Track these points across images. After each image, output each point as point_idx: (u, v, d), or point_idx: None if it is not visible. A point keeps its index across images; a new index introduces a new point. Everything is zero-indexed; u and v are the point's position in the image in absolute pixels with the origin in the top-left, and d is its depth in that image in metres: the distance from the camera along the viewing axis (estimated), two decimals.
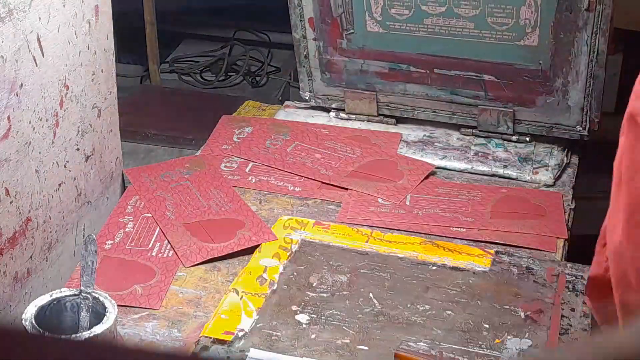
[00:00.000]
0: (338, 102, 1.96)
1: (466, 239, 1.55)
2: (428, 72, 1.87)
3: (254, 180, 1.73)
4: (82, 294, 1.26)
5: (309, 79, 1.96)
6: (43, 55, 1.38)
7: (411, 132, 1.91)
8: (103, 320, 1.22)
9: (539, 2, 1.71)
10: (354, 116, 1.95)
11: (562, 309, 1.37)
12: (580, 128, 1.79)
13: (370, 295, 1.40)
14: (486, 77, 1.82)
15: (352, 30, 1.87)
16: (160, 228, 1.56)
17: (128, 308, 1.37)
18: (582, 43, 1.71)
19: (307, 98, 1.99)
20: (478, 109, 1.86)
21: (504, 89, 1.82)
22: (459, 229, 1.58)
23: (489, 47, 1.79)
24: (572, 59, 1.73)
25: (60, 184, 1.48)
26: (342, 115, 1.96)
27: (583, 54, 1.72)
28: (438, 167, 1.78)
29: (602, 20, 1.67)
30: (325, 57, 1.93)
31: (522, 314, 1.36)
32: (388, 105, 1.93)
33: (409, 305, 1.38)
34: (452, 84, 1.86)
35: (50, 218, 1.45)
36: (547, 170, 1.76)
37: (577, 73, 1.74)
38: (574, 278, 1.44)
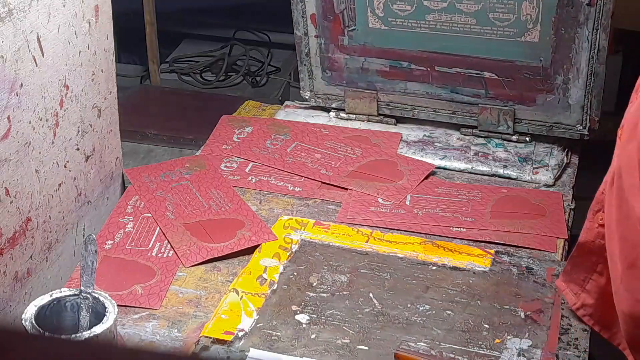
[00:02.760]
0: (338, 101, 1.96)
1: (466, 239, 1.55)
2: (429, 69, 1.87)
3: (254, 180, 1.73)
4: (82, 294, 1.26)
5: (309, 78, 1.96)
6: (43, 55, 1.38)
7: (411, 132, 1.91)
8: (103, 320, 1.22)
9: None
10: (354, 116, 1.95)
11: (562, 309, 1.37)
12: (581, 127, 1.79)
13: (370, 295, 1.40)
14: (487, 74, 1.82)
15: (354, 27, 1.87)
16: (160, 228, 1.56)
17: (128, 308, 1.37)
18: (583, 39, 1.71)
19: (307, 97, 1.99)
20: (478, 108, 1.86)
21: (505, 86, 1.82)
22: (459, 229, 1.58)
23: (490, 43, 1.79)
24: (573, 56, 1.74)
25: (60, 184, 1.48)
26: (342, 115, 1.96)
27: (584, 50, 1.72)
28: (438, 167, 1.78)
29: (603, 16, 1.67)
30: (326, 55, 1.93)
31: (522, 314, 1.36)
32: (388, 105, 1.93)
33: (409, 305, 1.38)
34: (452, 81, 1.86)
35: (50, 218, 1.45)
36: (547, 170, 1.76)
37: (578, 70, 1.74)
38: None
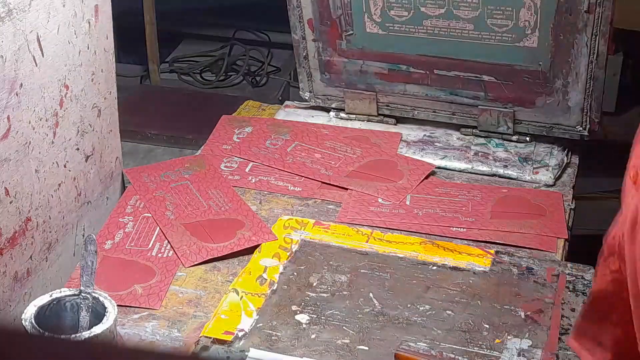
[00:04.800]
0: (338, 102, 1.96)
1: (466, 239, 1.55)
2: (428, 73, 1.87)
3: (254, 180, 1.73)
4: (82, 294, 1.26)
5: (308, 80, 1.96)
6: (43, 55, 1.38)
7: (411, 132, 1.91)
8: (103, 320, 1.21)
9: (539, 4, 1.70)
10: (354, 116, 1.95)
11: (562, 309, 1.37)
12: (581, 128, 1.79)
13: (370, 295, 1.40)
14: (486, 77, 1.82)
15: (351, 32, 1.87)
16: (160, 228, 1.56)
17: (128, 308, 1.37)
18: (581, 45, 1.70)
19: (306, 98, 1.99)
20: (478, 109, 1.85)
21: (504, 89, 1.82)
22: (459, 229, 1.58)
23: (489, 48, 1.78)
24: (572, 60, 1.73)
25: (60, 184, 1.48)
26: (342, 115, 1.96)
27: (583, 55, 1.71)
28: (438, 167, 1.78)
29: (602, 22, 1.67)
30: (325, 58, 1.92)
31: (522, 314, 1.36)
32: (388, 106, 1.93)
33: (408, 305, 1.38)
34: (452, 84, 1.86)
35: (50, 218, 1.45)
36: (547, 170, 1.76)
37: (577, 74, 1.74)
38: (574, 278, 1.44)
